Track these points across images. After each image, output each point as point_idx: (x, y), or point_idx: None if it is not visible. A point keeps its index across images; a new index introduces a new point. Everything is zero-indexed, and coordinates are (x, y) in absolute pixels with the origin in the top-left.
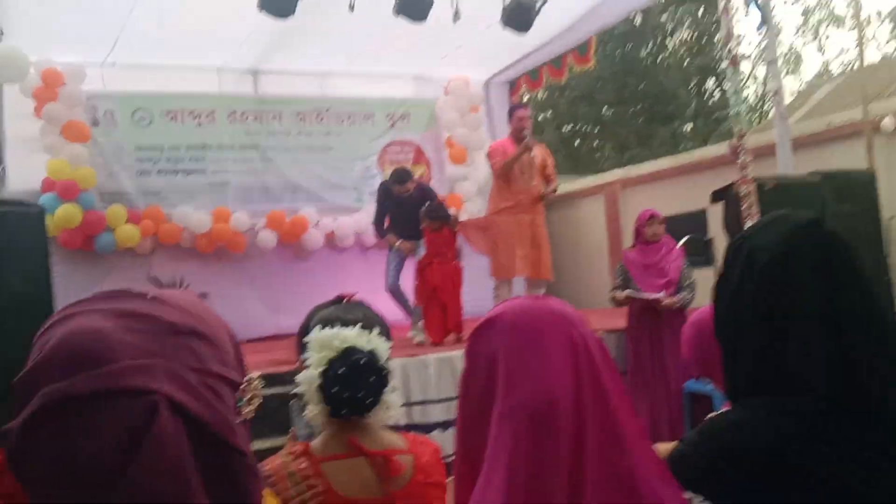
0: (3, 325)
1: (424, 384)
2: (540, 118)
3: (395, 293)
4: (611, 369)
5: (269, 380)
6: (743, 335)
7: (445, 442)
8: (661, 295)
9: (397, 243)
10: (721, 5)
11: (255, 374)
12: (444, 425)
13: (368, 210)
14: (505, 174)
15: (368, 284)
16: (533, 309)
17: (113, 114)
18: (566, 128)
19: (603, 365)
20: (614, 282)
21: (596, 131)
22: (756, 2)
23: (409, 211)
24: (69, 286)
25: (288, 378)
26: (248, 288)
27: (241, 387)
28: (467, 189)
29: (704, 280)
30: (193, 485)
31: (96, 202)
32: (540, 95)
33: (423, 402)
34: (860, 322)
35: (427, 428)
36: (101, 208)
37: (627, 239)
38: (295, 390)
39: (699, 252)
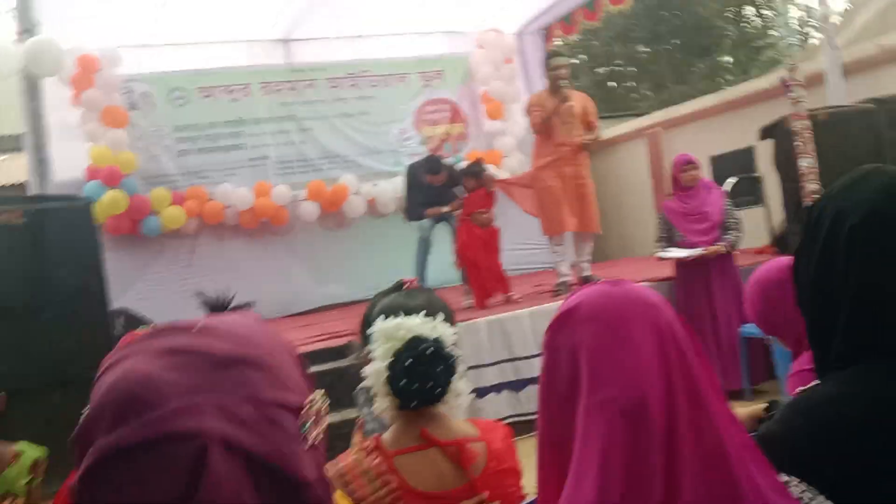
0: (62, 320)
1: (477, 348)
2: (574, 62)
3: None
4: (697, 352)
5: (324, 355)
6: (833, 306)
7: (500, 405)
8: (692, 253)
9: (426, 214)
10: None
11: (317, 393)
12: (498, 388)
13: None
14: (544, 128)
15: (412, 249)
16: (614, 296)
17: (150, 96)
18: (601, 70)
19: (690, 349)
20: (658, 234)
21: (632, 71)
22: None
23: (437, 194)
24: (118, 272)
25: (343, 351)
26: (294, 261)
27: (304, 410)
28: (506, 144)
29: (755, 220)
30: None
31: (139, 186)
32: (573, 39)
33: (476, 367)
34: None
35: (481, 392)
36: (145, 192)
37: None
38: (362, 384)
39: (749, 192)
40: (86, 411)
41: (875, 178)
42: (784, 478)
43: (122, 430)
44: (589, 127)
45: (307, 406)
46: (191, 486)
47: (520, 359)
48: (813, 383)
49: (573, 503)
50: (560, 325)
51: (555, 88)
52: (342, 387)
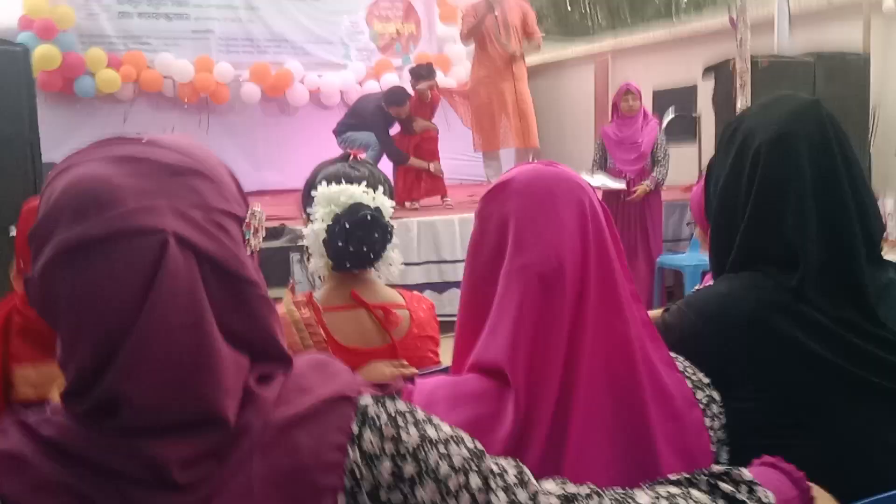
0: None
1: (406, 247)
2: None
3: None
4: (614, 236)
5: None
6: (737, 211)
7: None
8: (622, 185)
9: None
10: None
11: (256, 206)
12: (422, 287)
13: (354, 68)
14: (471, 38)
15: None
16: (545, 174)
17: None
18: None
19: (609, 231)
20: (593, 157)
21: None
22: None
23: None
24: (51, 129)
25: (275, 233)
26: (231, 141)
27: (246, 220)
28: (457, 51)
29: (687, 157)
30: (207, 314)
31: (76, 44)
32: None
33: (403, 264)
34: (848, 202)
35: (405, 289)
36: (81, 51)
37: None
38: (300, 242)
39: (685, 129)
40: (39, 213)
41: (786, 103)
42: (673, 355)
43: (85, 225)
44: (528, 35)
45: (248, 216)
46: (148, 277)
47: (446, 262)
48: (707, 283)
49: (484, 354)
50: (493, 196)
51: None
52: (273, 266)
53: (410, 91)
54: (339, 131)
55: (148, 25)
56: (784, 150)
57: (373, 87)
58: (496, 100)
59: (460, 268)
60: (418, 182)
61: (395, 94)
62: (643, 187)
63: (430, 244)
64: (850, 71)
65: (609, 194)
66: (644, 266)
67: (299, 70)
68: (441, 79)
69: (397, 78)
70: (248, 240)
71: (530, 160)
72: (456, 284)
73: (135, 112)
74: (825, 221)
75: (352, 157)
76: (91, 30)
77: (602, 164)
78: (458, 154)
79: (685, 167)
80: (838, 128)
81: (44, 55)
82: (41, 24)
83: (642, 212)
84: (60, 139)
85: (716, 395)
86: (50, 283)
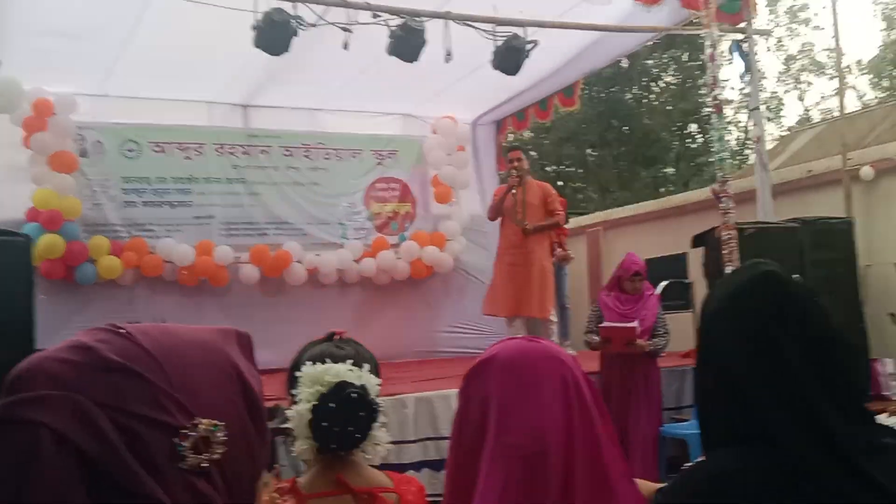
0: None
1: (402, 424)
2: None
3: None
4: (601, 410)
5: None
6: (706, 388)
7: (422, 482)
8: (635, 325)
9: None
10: (707, 52)
11: (206, 420)
12: (419, 466)
13: (351, 247)
14: (494, 216)
15: (348, 322)
16: (526, 350)
17: (101, 144)
18: (550, 168)
19: (594, 406)
20: (588, 325)
21: (580, 173)
22: (740, 50)
23: None
24: (49, 316)
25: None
26: (227, 322)
27: (182, 431)
28: (451, 228)
29: (683, 324)
30: None
31: (80, 233)
32: (525, 136)
33: (399, 442)
34: (813, 374)
35: (401, 468)
36: (85, 239)
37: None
38: (284, 425)
39: (679, 297)
40: None
41: (749, 270)
42: None
43: None
44: (550, 213)
45: (188, 429)
46: (19, 473)
47: (444, 438)
48: (699, 459)
49: None
50: (475, 375)
51: (509, 178)
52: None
53: None
54: None
55: (151, 213)
56: (729, 324)
57: (369, 265)
58: (507, 270)
59: None
60: None
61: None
62: (644, 343)
63: (426, 420)
64: (836, 235)
65: (610, 364)
66: (647, 436)
67: (297, 250)
68: (440, 255)
69: (393, 255)
70: (182, 453)
71: (543, 328)
72: None
73: (134, 297)
74: (773, 391)
75: (336, 336)
76: (96, 219)
77: (596, 332)
78: (454, 326)
79: (681, 333)
80: (800, 295)
81: (48, 245)
82: (48, 216)
83: (644, 381)
84: (56, 326)
85: None
86: None
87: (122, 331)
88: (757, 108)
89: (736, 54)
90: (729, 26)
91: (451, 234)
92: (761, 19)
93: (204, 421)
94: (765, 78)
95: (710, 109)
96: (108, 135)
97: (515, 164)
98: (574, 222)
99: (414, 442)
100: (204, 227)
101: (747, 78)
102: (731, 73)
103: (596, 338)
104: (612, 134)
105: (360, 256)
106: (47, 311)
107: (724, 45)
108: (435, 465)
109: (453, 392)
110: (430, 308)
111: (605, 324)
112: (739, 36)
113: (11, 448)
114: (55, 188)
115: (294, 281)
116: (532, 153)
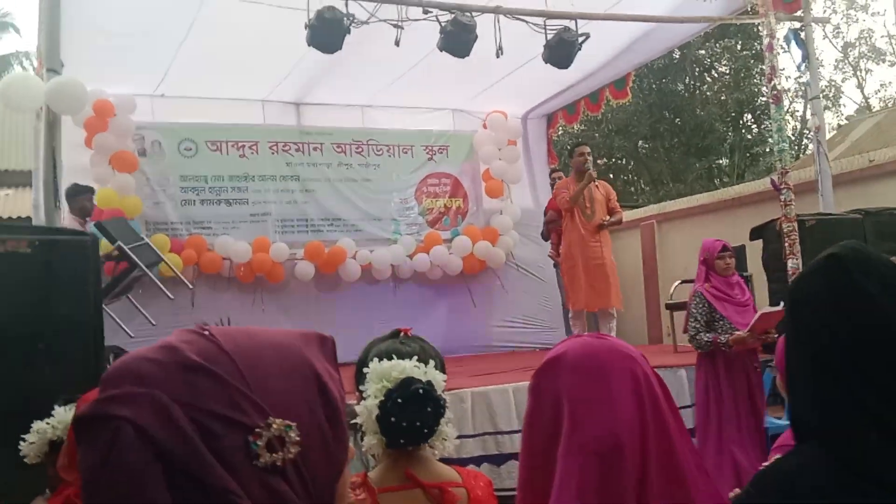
0: (55, 348)
1: (460, 419)
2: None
3: None
4: (671, 406)
5: None
6: (794, 379)
7: None
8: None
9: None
10: (765, 42)
11: (279, 420)
12: (479, 460)
13: (404, 242)
14: (571, 207)
15: (401, 317)
16: (596, 348)
17: (160, 144)
18: (601, 161)
19: (665, 402)
20: (693, 321)
21: (631, 165)
22: (798, 38)
23: None
24: (112, 312)
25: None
26: (284, 318)
27: (256, 430)
28: (503, 223)
29: None
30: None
31: (141, 231)
32: (575, 128)
33: (458, 437)
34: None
35: (461, 463)
36: (146, 237)
37: (664, 274)
38: (353, 420)
39: None
40: None
41: (820, 260)
42: None
43: (85, 405)
44: (611, 211)
45: (262, 428)
46: (103, 464)
47: (503, 433)
48: (775, 458)
49: None
50: (545, 372)
51: (580, 172)
52: None
53: None
54: None
55: (209, 211)
56: (793, 314)
57: (422, 260)
58: (582, 264)
59: (518, 438)
60: None
61: None
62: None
63: (484, 415)
64: None
65: (707, 364)
66: (750, 426)
67: (351, 246)
68: (492, 250)
69: (446, 251)
70: (257, 451)
71: (611, 319)
72: (514, 456)
73: (192, 293)
74: (871, 385)
75: (402, 333)
76: (156, 217)
77: (708, 324)
78: (506, 321)
79: None
80: (861, 278)
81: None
82: (110, 214)
83: (746, 374)
84: (122, 321)
85: None
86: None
87: (205, 332)
88: (817, 98)
89: (793, 43)
90: (785, 14)
91: (504, 229)
92: (818, 6)
93: (277, 420)
94: (822, 66)
95: (766, 99)
96: (166, 134)
97: (587, 157)
98: (628, 215)
99: (473, 437)
100: (260, 225)
101: (805, 67)
102: (786, 61)
103: (709, 335)
104: (663, 125)
105: (413, 252)
106: (111, 308)
107: (780, 34)
108: (495, 460)
109: (510, 386)
110: (482, 303)
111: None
112: (797, 24)
113: (97, 441)
114: (117, 187)
115: (348, 277)
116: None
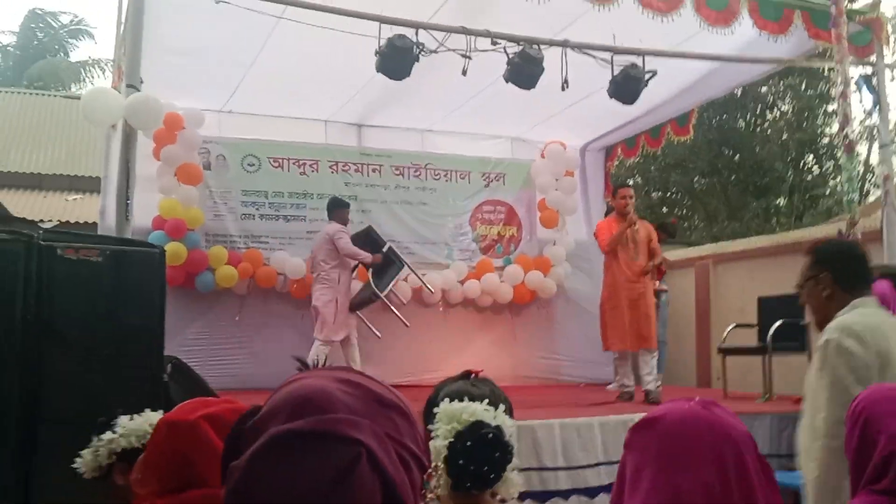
0: (122, 357)
1: None
2: (630, 183)
3: None
4: (773, 490)
5: None
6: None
7: None
8: None
9: None
10: (839, 90)
11: (441, 467)
12: (521, 496)
13: (456, 268)
14: (612, 249)
15: (449, 341)
16: (695, 422)
17: (224, 158)
18: (655, 195)
19: (759, 486)
20: None
21: (686, 201)
22: (869, 83)
23: None
24: (170, 320)
25: None
26: None
27: (429, 471)
28: (557, 253)
29: (797, 367)
30: None
31: (201, 242)
32: (632, 160)
33: None
34: None
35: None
36: (206, 248)
37: (717, 316)
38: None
39: (793, 338)
40: (261, 413)
41: None
42: None
43: (299, 421)
44: (652, 253)
45: (432, 468)
46: (337, 483)
47: (547, 469)
48: None
49: None
50: (641, 429)
51: (622, 214)
52: None
53: None
54: None
55: (267, 226)
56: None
57: (473, 286)
58: (623, 305)
59: (562, 476)
60: None
61: None
62: None
63: (529, 449)
64: None
65: None
66: None
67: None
68: (543, 280)
69: (497, 278)
70: (426, 491)
71: (651, 358)
72: (559, 494)
73: (246, 305)
74: None
75: (473, 374)
76: (216, 229)
77: None
78: (552, 354)
79: (793, 376)
80: None
81: (172, 252)
82: (173, 224)
83: None
84: (177, 330)
85: None
86: (253, 470)
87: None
88: (887, 146)
89: (864, 88)
90: (856, 59)
91: (556, 260)
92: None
93: (441, 465)
94: (891, 111)
95: (834, 143)
96: (231, 149)
97: (629, 200)
98: (682, 254)
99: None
100: None
101: (877, 113)
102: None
103: None
104: (722, 161)
105: (464, 277)
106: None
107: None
108: (539, 497)
109: (556, 422)
110: (530, 333)
111: None
112: (868, 70)
113: (335, 459)
114: (180, 198)
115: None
116: (637, 179)
